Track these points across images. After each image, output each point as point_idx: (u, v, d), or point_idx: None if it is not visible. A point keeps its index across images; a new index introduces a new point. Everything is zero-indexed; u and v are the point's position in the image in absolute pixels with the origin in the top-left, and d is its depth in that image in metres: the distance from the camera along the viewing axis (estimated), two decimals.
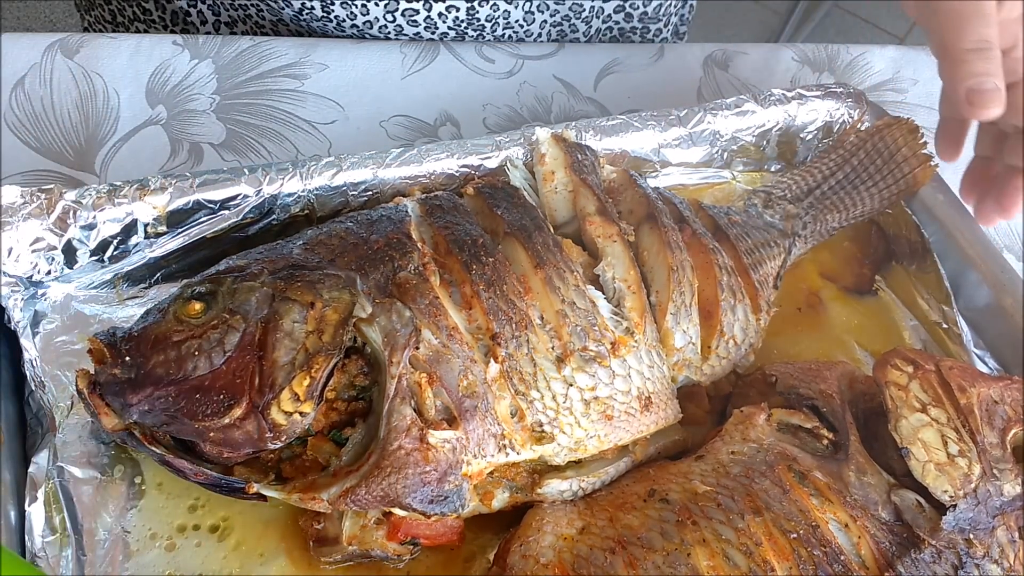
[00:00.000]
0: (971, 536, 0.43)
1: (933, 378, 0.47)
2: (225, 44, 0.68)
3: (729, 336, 0.51)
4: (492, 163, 0.55)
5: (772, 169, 0.66)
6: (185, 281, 0.45)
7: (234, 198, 0.49)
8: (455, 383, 0.42)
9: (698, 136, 0.61)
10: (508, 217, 0.49)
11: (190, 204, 0.48)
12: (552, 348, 0.44)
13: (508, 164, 0.55)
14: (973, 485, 0.44)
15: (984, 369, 0.56)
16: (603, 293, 0.48)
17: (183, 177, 0.49)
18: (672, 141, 0.60)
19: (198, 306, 0.42)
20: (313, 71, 0.68)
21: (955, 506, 0.43)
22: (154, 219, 0.48)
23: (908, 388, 0.47)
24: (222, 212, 0.49)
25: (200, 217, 0.49)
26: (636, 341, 0.46)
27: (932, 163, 0.60)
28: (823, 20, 2.14)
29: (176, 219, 0.49)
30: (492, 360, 0.43)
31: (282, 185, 0.50)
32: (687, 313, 0.49)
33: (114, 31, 0.79)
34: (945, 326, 0.59)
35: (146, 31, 0.77)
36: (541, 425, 0.43)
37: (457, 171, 0.54)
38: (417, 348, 0.42)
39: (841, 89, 0.64)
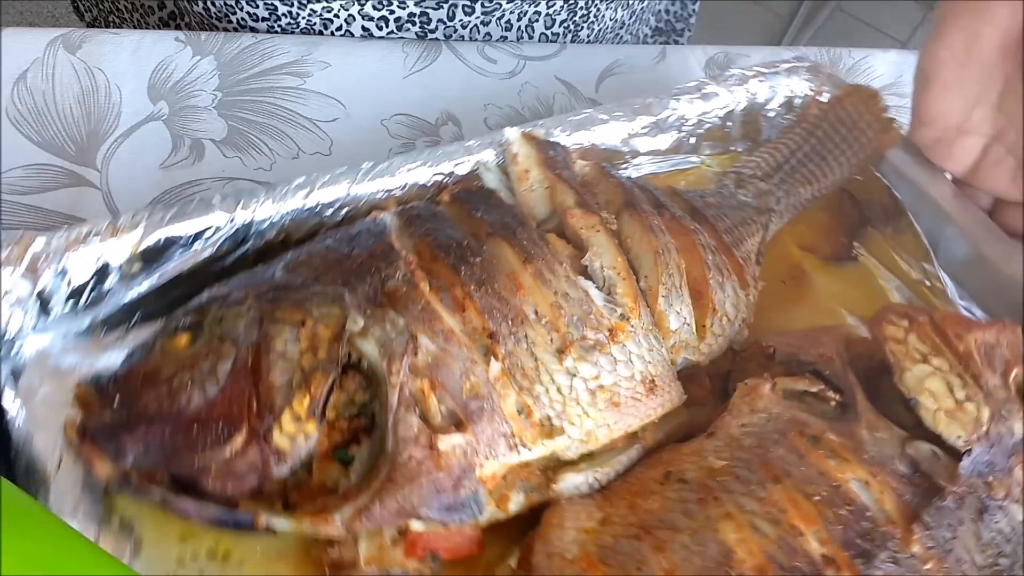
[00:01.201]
0: (991, 479, 0.43)
1: (929, 329, 0.48)
2: (227, 41, 0.69)
3: (722, 313, 0.51)
4: (464, 168, 0.55)
5: (739, 149, 0.66)
6: (168, 316, 0.43)
7: (206, 230, 0.48)
8: (458, 386, 0.41)
9: (665, 123, 0.61)
10: (489, 218, 0.49)
11: (162, 240, 0.47)
12: (551, 341, 0.43)
13: (481, 168, 0.54)
14: (985, 428, 0.44)
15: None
16: (593, 282, 0.48)
17: (153, 212, 0.47)
18: (640, 130, 0.60)
19: (185, 338, 0.41)
20: (315, 69, 0.69)
21: (970, 450, 0.43)
22: (127, 259, 0.47)
23: (906, 341, 0.47)
24: (196, 245, 0.48)
25: (174, 253, 0.48)
26: (633, 326, 0.46)
27: (895, 126, 0.61)
28: (825, 23, 2.17)
29: (150, 256, 0.47)
30: (492, 359, 0.42)
31: (255, 212, 0.49)
32: (678, 294, 0.49)
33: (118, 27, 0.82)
34: (928, 283, 0.60)
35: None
36: (550, 420, 0.42)
37: (430, 180, 0.54)
38: (415, 354, 0.41)
39: (799, 63, 0.65)
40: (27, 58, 0.66)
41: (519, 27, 0.77)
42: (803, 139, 0.63)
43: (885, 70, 0.79)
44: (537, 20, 0.77)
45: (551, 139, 0.56)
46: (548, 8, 0.76)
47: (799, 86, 0.65)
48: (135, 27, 0.81)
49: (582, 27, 0.79)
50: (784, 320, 0.57)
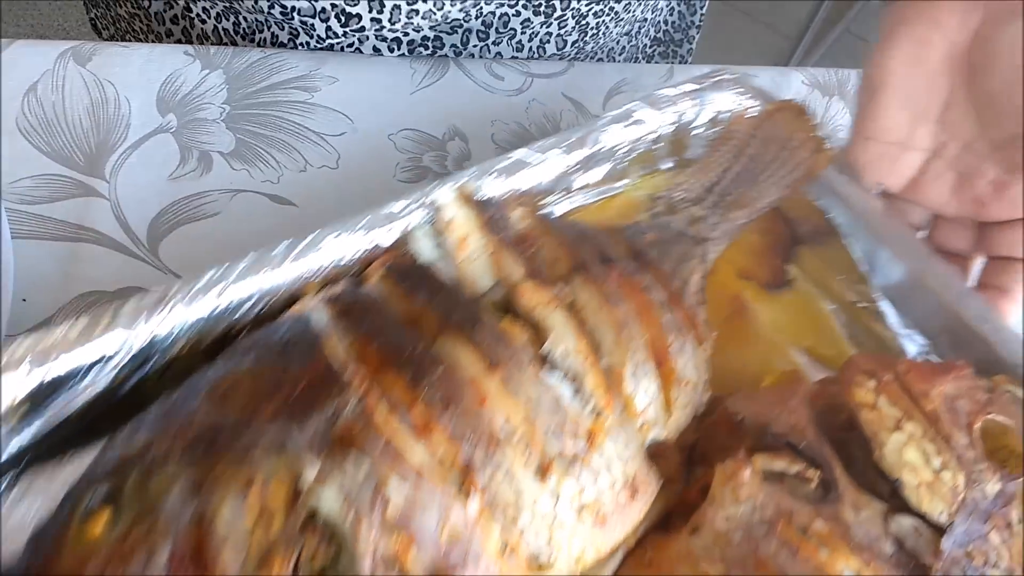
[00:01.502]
0: (970, 548, 0.43)
1: (896, 387, 0.47)
2: (236, 55, 0.69)
3: (685, 381, 0.48)
4: (392, 236, 0.49)
5: (664, 168, 0.63)
6: (70, 488, 0.36)
7: (100, 359, 0.40)
8: (436, 535, 0.37)
9: (599, 155, 0.57)
10: (435, 308, 0.43)
11: (48, 379, 0.39)
12: (528, 460, 0.39)
13: (412, 236, 0.48)
14: (962, 497, 0.43)
15: (913, 348, 0.57)
16: (557, 370, 0.43)
17: (39, 338, 0.39)
18: (574, 166, 0.56)
19: (103, 518, 0.34)
20: (323, 84, 0.69)
21: (952, 524, 0.42)
22: (10, 406, 0.38)
23: (878, 406, 0.46)
24: (91, 374, 0.40)
25: (66, 388, 0.40)
26: (609, 423, 0.42)
27: (826, 147, 0.59)
28: (834, 44, 2.12)
29: (39, 397, 0.39)
30: (472, 492, 0.38)
31: (158, 325, 0.41)
32: (644, 371, 0.46)
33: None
34: (863, 304, 0.59)
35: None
36: (537, 556, 0.39)
37: (354, 256, 0.48)
38: (386, 506, 0.36)
39: (728, 76, 0.61)
40: (38, 70, 0.67)
41: (530, 47, 0.78)
42: (733, 158, 0.60)
43: None
44: (548, 41, 0.78)
45: (485, 197, 0.51)
46: (560, 29, 0.77)
47: (726, 101, 0.61)
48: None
49: (588, 42, 0.81)
50: (732, 362, 0.55)
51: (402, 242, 0.49)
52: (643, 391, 0.46)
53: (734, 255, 0.60)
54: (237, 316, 0.44)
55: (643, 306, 0.49)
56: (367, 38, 0.72)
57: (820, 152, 0.59)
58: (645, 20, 0.88)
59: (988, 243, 0.56)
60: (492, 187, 0.52)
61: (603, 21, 0.79)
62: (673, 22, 0.93)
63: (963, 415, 0.47)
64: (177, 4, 0.76)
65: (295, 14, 0.70)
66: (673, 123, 0.60)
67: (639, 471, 0.43)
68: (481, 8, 0.72)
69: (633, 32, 0.88)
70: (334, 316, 0.43)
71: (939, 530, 0.43)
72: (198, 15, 0.75)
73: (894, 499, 0.44)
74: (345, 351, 0.41)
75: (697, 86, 0.60)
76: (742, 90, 0.61)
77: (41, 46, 0.68)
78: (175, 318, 0.42)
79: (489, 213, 0.48)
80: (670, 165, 0.63)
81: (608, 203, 0.61)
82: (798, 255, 0.62)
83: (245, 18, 0.73)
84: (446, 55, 0.75)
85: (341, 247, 0.47)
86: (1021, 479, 0.45)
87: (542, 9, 0.74)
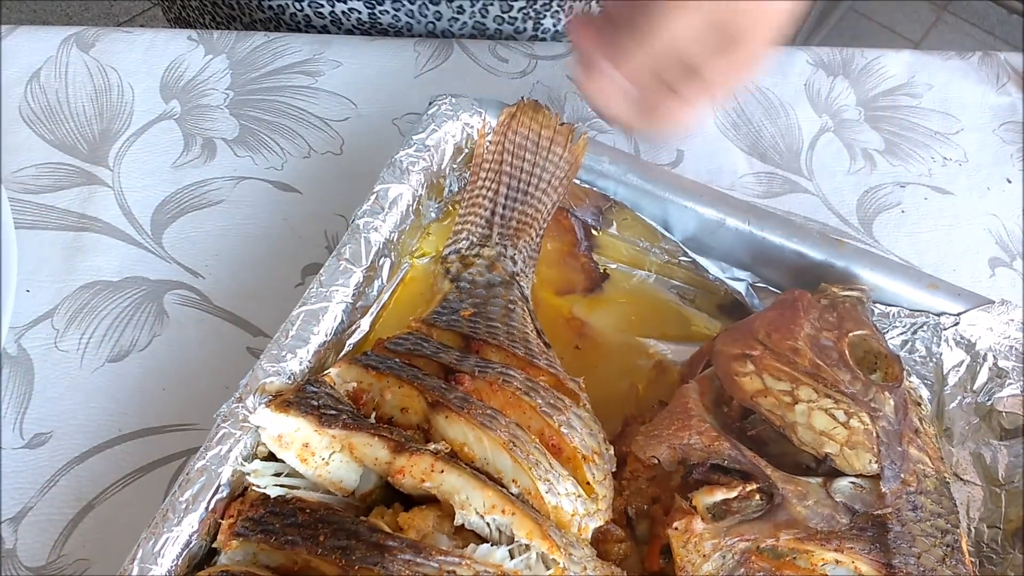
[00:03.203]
0: (903, 476, 0.44)
1: (770, 358, 0.46)
2: (239, 40, 0.69)
3: (589, 454, 0.45)
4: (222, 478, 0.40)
5: (432, 217, 0.57)
6: None
7: None
8: None
9: (379, 253, 0.51)
10: (323, 547, 0.37)
11: None
12: None
13: (250, 475, 0.40)
14: (875, 434, 0.44)
15: (741, 285, 0.57)
16: (486, 541, 0.39)
17: None
18: (361, 283, 0.49)
19: None
20: (327, 68, 0.69)
21: (883, 467, 0.43)
22: None
23: (767, 387, 0.45)
24: None
25: None
26: (558, 558, 0.39)
27: (574, 131, 0.56)
28: (838, 24, 2.02)
29: None
30: None
31: None
32: (555, 473, 0.42)
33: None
34: (676, 261, 0.58)
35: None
36: None
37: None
38: None
39: (445, 105, 0.56)
40: (40, 56, 0.66)
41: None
42: (495, 180, 0.56)
43: (898, 70, 0.77)
44: None
45: (287, 365, 0.44)
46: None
47: (455, 129, 0.56)
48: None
49: None
50: (601, 387, 0.52)
51: (237, 488, 0.41)
52: (564, 495, 0.42)
53: (543, 275, 0.57)
54: None
55: (515, 404, 0.44)
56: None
57: (573, 141, 0.56)
58: None
59: None
60: (297, 361, 0.44)
61: None
62: None
63: (832, 350, 0.47)
64: None
65: None
66: (422, 183, 0.54)
67: None
68: None
69: None
70: None
71: (875, 476, 0.44)
72: None
73: (823, 465, 0.44)
74: None
75: (423, 133, 0.55)
76: (467, 112, 0.56)
77: (44, 32, 0.67)
78: None
79: (314, 404, 0.41)
80: (434, 216, 0.57)
81: (403, 292, 0.55)
82: (599, 243, 0.59)
83: None
84: (450, 37, 0.74)
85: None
86: (901, 383, 0.47)
87: None
